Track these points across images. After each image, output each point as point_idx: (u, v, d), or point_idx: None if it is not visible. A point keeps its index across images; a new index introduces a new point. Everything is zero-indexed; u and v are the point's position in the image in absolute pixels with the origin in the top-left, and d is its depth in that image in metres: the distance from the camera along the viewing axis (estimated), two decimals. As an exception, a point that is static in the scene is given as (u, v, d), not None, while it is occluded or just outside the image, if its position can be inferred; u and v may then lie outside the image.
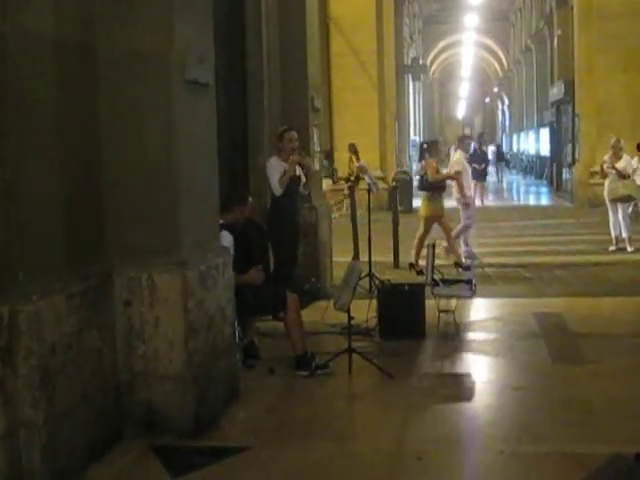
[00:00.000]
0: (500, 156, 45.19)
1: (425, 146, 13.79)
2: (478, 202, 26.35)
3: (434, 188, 13.17)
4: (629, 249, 14.94)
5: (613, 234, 15.27)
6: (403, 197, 21.56)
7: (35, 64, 4.87)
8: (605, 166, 15.27)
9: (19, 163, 4.70)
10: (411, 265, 13.01)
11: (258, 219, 9.30)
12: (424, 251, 9.45)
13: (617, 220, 15.19)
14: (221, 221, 7.14)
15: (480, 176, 27.23)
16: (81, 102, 5.44)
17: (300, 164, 9.53)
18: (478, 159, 27.79)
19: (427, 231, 13.29)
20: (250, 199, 7.87)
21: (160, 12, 5.67)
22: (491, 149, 45.92)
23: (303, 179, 9.74)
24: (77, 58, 5.40)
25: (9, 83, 4.62)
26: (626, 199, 15.23)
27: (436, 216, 13.23)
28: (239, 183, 8.99)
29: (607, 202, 15.40)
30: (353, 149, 23.42)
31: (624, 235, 15.11)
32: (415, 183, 27.80)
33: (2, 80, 4.58)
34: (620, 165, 15.06)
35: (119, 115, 5.66)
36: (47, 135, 5.00)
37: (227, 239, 7.15)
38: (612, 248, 15.12)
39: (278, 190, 9.36)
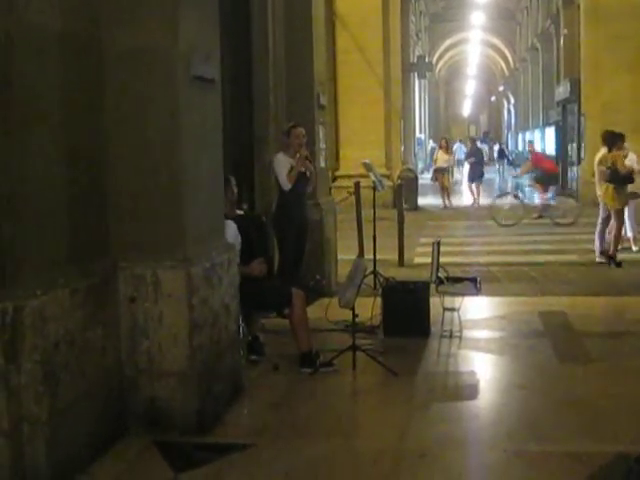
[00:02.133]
0: (502, 154, 48.26)
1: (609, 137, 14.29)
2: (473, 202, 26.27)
3: (622, 180, 13.60)
4: (634, 248, 14.89)
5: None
6: (408, 195, 21.55)
7: (40, 59, 4.86)
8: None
9: (23, 158, 4.70)
10: (610, 257, 13.48)
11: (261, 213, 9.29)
12: (428, 249, 9.42)
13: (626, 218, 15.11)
14: None
15: (478, 176, 27.02)
16: (86, 97, 5.44)
17: (307, 158, 9.51)
18: (475, 156, 27.74)
19: (623, 221, 13.95)
20: (230, 177, 7.77)
21: (166, 7, 5.66)
22: (495, 148, 47.61)
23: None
24: (82, 53, 5.39)
25: (14, 78, 4.61)
26: (631, 197, 15.12)
27: (621, 207, 13.73)
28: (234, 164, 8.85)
29: None
30: None
31: (629, 234, 15.05)
32: (421, 181, 27.89)
33: (7, 75, 4.57)
34: (626, 163, 14.95)
35: (124, 110, 5.66)
36: (51, 130, 4.99)
37: (232, 228, 7.14)
38: (635, 248, 14.99)
39: (287, 185, 9.34)
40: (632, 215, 15.14)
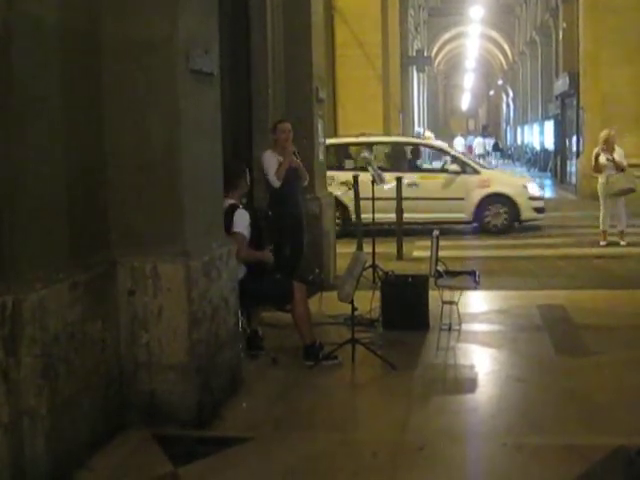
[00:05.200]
0: (497, 147, 52.54)
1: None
2: None
3: None
4: (622, 243, 14.86)
5: (604, 227, 15.14)
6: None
7: (39, 51, 4.86)
8: (605, 159, 15.02)
9: (23, 152, 4.70)
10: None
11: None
12: (427, 243, 9.40)
13: (616, 213, 15.06)
14: (232, 201, 7.18)
15: None
16: (85, 90, 5.44)
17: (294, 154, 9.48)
18: None
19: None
20: (246, 169, 7.83)
21: (165, 1, 5.66)
22: (487, 141, 49.51)
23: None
24: (81, 46, 5.39)
25: (13, 69, 4.61)
26: (626, 192, 15.06)
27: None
28: (234, 158, 8.83)
29: (603, 196, 15.18)
30: None
31: (619, 228, 15.02)
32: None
33: (6, 66, 4.57)
34: (616, 157, 14.89)
35: (123, 103, 5.65)
36: (50, 123, 4.99)
37: (245, 217, 7.18)
38: (623, 243, 14.96)
39: (276, 182, 9.31)
40: (623, 209, 15.11)
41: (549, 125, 37.78)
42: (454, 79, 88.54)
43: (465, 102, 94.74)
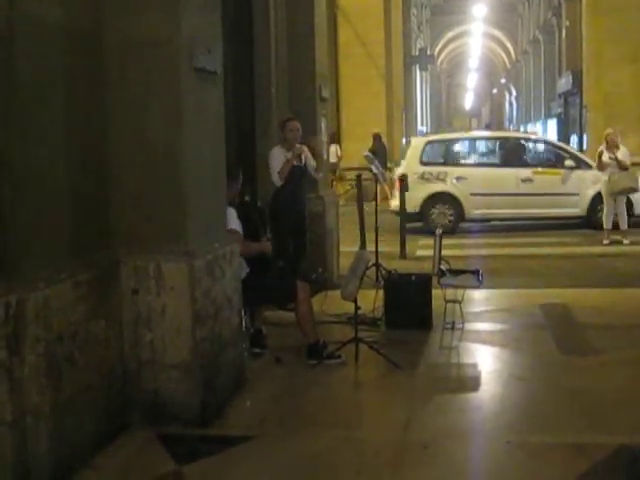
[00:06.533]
0: None
1: None
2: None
3: None
4: (625, 242, 14.84)
5: (607, 226, 15.10)
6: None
7: (41, 50, 4.86)
8: (607, 157, 15.00)
9: (25, 150, 4.70)
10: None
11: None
12: (430, 241, 9.39)
13: (619, 212, 15.04)
14: None
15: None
16: (87, 88, 5.44)
17: (309, 146, 9.49)
18: (377, 154, 26.86)
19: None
20: (239, 169, 7.84)
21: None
22: None
23: (312, 163, 9.69)
24: (84, 45, 5.39)
25: (15, 69, 4.61)
26: (627, 192, 15.06)
27: None
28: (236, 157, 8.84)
29: (605, 195, 15.17)
30: None
31: (621, 227, 15.00)
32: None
33: (9, 66, 4.57)
34: (619, 156, 14.88)
35: (126, 102, 5.65)
36: (53, 121, 4.99)
37: (233, 214, 7.17)
38: (626, 242, 14.92)
39: (278, 181, 9.33)
40: (624, 208, 15.09)
41: (552, 124, 37.83)
42: (457, 78, 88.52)
43: (468, 101, 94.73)
